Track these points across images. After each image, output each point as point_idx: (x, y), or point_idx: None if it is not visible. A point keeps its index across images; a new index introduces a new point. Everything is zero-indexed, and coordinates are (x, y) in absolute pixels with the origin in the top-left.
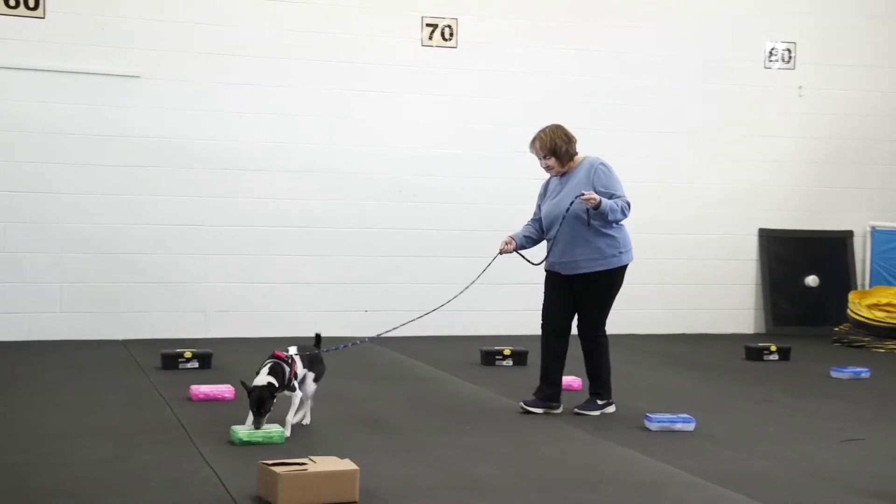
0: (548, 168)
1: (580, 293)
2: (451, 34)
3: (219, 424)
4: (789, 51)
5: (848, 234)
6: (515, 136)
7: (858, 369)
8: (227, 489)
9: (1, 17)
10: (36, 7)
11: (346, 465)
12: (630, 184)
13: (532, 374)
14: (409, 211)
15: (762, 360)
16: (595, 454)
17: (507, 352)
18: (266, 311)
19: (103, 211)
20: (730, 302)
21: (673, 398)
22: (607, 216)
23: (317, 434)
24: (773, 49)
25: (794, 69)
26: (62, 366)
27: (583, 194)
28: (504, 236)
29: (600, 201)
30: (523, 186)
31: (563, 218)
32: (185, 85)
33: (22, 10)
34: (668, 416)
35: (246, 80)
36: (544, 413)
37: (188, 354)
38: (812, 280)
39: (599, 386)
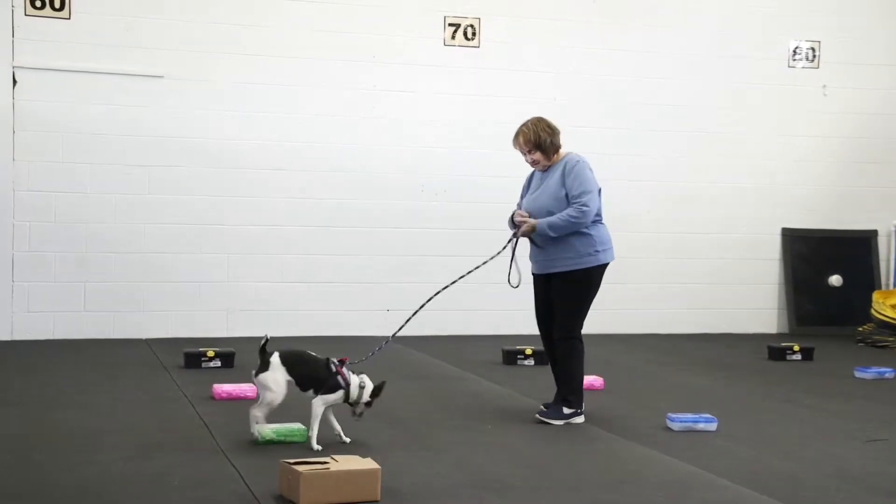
0: (534, 163)
1: (556, 292)
2: (474, 34)
3: (242, 423)
4: (813, 50)
5: (872, 234)
6: None
7: (883, 369)
8: (249, 488)
9: (27, 18)
10: (61, 8)
11: (368, 464)
12: (653, 183)
13: None
14: (431, 210)
15: (785, 360)
16: (617, 454)
17: (528, 351)
18: (288, 311)
19: (127, 210)
20: (753, 302)
21: (695, 398)
22: (549, 235)
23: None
24: (797, 48)
25: (818, 68)
26: (85, 364)
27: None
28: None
29: (534, 226)
30: None
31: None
32: (209, 85)
33: (48, 11)
34: (690, 415)
35: (269, 79)
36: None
37: (211, 353)
38: (836, 280)
39: (569, 392)
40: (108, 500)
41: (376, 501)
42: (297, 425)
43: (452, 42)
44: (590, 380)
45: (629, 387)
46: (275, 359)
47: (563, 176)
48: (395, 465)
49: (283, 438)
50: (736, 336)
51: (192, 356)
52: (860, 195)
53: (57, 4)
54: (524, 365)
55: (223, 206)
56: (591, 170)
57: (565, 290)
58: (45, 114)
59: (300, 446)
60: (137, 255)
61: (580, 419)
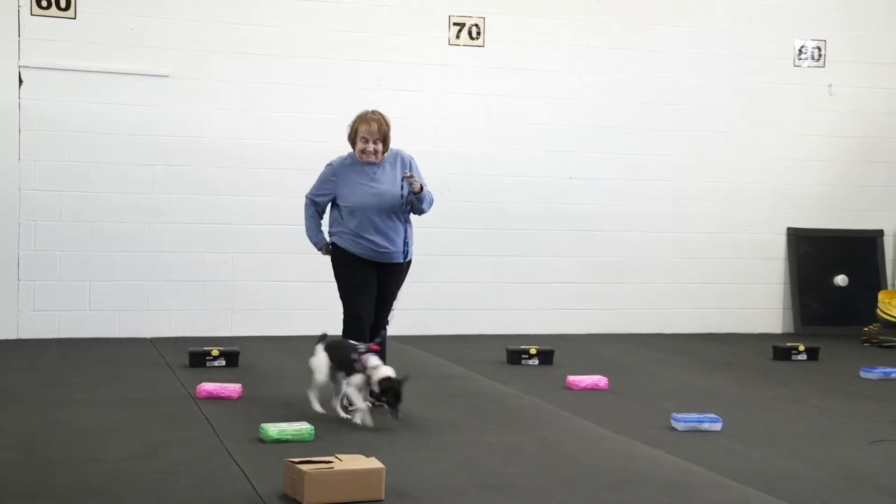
0: (374, 152)
1: (388, 281)
2: (479, 33)
3: (246, 422)
4: (819, 49)
5: (878, 234)
6: (544, 135)
7: (888, 370)
8: (253, 487)
9: (33, 17)
10: (67, 8)
11: (372, 463)
12: (660, 182)
13: (559, 372)
14: (436, 209)
15: (790, 360)
16: (622, 454)
17: (533, 351)
18: (293, 310)
19: (133, 209)
20: (758, 301)
21: (700, 398)
22: (424, 200)
23: (343, 432)
24: (802, 47)
25: (823, 67)
26: (91, 363)
27: (407, 174)
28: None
29: (421, 186)
30: (552, 185)
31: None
32: (214, 84)
33: (53, 10)
34: (695, 415)
35: (274, 79)
36: None
37: (215, 352)
38: (841, 279)
39: None
40: (114, 498)
41: (380, 500)
42: (304, 425)
43: (457, 41)
44: (594, 379)
45: (634, 387)
46: (319, 346)
47: (402, 168)
48: (400, 464)
49: (288, 438)
50: (741, 336)
51: (197, 355)
52: (866, 195)
53: (63, 4)
54: (528, 364)
55: (228, 206)
56: None
57: (399, 280)
58: (51, 113)
59: (305, 445)
60: (142, 255)
61: None
